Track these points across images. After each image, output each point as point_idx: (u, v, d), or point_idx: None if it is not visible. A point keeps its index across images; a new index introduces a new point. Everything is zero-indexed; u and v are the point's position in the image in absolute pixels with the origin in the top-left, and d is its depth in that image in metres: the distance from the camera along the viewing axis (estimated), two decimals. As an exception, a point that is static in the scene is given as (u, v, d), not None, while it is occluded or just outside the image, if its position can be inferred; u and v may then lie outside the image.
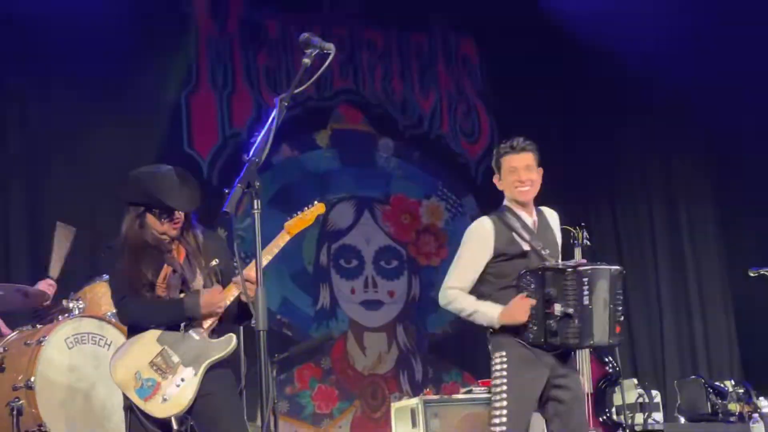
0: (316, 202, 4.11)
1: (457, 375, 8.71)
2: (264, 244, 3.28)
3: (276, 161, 8.33)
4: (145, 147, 7.33)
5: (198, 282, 3.89)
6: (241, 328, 5.34)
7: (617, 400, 7.09)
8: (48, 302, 5.54)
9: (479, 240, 4.50)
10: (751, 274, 5.94)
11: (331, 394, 8.35)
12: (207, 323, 3.83)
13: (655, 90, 9.32)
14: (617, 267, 4.44)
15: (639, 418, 7.18)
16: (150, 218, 3.87)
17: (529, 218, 4.55)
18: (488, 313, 4.42)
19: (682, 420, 7.33)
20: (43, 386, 4.86)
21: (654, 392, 7.43)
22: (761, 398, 7.26)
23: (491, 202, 9.20)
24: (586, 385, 6.32)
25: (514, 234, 4.48)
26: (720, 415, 7.10)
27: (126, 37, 7.54)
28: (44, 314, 5.53)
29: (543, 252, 4.45)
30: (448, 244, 8.97)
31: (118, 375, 3.82)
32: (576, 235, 6.83)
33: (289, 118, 3.31)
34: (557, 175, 8.95)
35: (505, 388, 4.32)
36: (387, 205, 8.98)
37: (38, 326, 5.27)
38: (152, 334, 3.83)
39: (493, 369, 4.43)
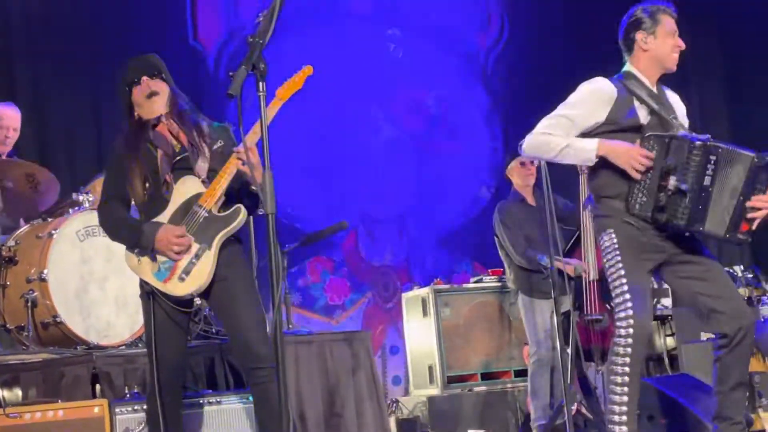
0: (303, 66, 4.00)
1: (467, 265, 8.77)
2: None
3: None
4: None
5: (202, 166, 3.89)
6: (252, 221, 5.40)
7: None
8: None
9: (592, 101, 3.98)
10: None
11: (343, 286, 8.44)
12: (214, 200, 3.84)
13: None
14: (764, 156, 3.84)
15: (648, 303, 7.23)
16: (134, 94, 3.95)
17: (654, 88, 4.08)
18: (585, 144, 3.92)
19: (691, 305, 7.38)
20: (56, 278, 4.93)
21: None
22: (770, 282, 7.31)
23: (498, 90, 9.12)
24: (591, 272, 6.31)
25: (636, 101, 3.99)
26: (728, 299, 7.14)
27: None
28: (54, 208, 5.56)
29: (669, 118, 3.96)
30: (457, 135, 8.94)
31: (133, 262, 3.86)
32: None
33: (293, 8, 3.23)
34: (565, 63, 8.92)
35: (621, 266, 3.92)
36: (395, 97, 8.90)
37: (48, 219, 5.31)
38: (162, 218, 3.85)
39: (604, 249, 3.99)
